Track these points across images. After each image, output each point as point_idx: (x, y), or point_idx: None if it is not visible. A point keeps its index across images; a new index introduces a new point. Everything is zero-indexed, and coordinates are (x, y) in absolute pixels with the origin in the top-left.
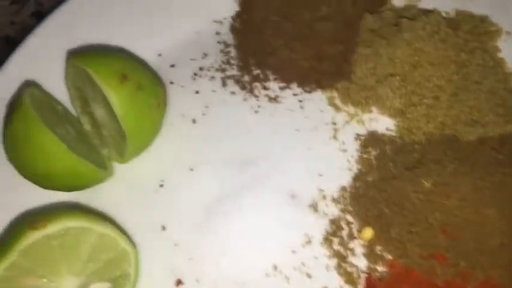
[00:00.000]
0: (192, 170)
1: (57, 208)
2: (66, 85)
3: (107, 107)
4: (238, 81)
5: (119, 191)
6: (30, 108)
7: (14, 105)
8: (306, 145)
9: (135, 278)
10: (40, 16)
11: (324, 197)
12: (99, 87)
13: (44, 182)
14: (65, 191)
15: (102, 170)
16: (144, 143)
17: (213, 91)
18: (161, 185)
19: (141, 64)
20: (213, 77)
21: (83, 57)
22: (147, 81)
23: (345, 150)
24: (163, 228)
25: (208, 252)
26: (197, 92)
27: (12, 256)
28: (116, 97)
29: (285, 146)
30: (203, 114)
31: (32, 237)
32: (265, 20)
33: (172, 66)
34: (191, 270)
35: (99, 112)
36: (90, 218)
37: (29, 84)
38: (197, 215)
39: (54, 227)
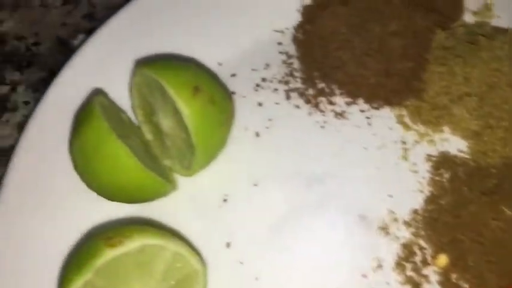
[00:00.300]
0: (256, 185)
1: (129, 223)
2: (130, 93)
3: (176, 118)
4: (302, 94)
5: (181, 204)
6: (101, 118)
7: (84, 114)
8: (374, 164)
9: None
10: (92, 18)
11: (395, 220)
12: (171, 99)
13: (110, 193)
14: (129, 203)
15: (168, 183)
16: (212, 156)
17: (277, 104)
18: (225, 200)
19: (212, 76)
20: (276, 89)
21: (154, 67)
22: (218, 94)
23: (415, 171)
24: (228, 245)
25: (275, 272)
26: (260, 104)
27: (88, 274)
28: (188, 110)
29: (352, 164)
30: (266, 128)
31: (109, 255)
32: (332, 32)
33: (233, 75)
34: None
35: (167, 123)
36: (165, 235)
37: (97, 92)
38: (262, 232)
39: (131, 245)
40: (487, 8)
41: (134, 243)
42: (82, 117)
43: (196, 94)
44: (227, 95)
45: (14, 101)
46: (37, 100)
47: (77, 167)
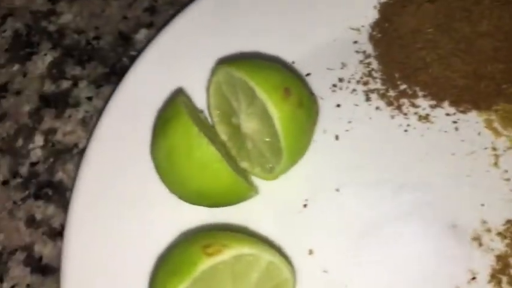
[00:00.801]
0: (338, 190)
1: (215, 229)
2: (207, 92)
3: (262, 121)
4: (383, 95)
5: (260, 209)
6: (190, 121)
7: (170, 116)
8: (464, 171)
9: None
10: (154, 12)
11: (488, 230)
12: (259, 101)
13: (194, 197)
14: (210, 207)
15: (253, 187)
16: (296, 160)
17: (356, 105)
18: (305, 205)
19: (299, 78)
20: (354, 90)
21: (242, 67)
22: (306, 96)
23: (507, 180)
24: (311, 252)
25: (361, 283)
26: (338, 106)
27: (186, 283)
28: (279, 113)
29: (441, 171)
30: (346, 131)
31: (207, 263)
32: (414, 31)
33: (308, 75)
34: None
35: (249, 125)
36: (259, 243)
37: (179, 92)
38: (347, 240)
39: (228, 253)
40: None
41: (231, 252)
42: (168, 119)
43: (286, 96)
44: (313, 97)
45: (76, 97)
46: (100, 96)
47: (161, 170)
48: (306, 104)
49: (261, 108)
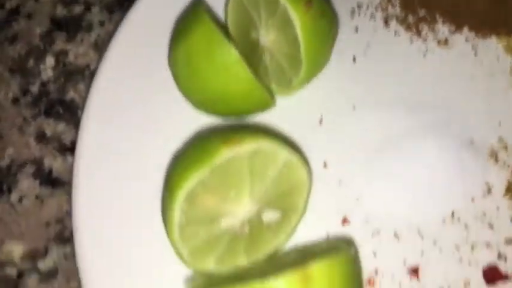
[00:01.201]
0: (354, 108)
1: (242, 127)
2: (227, 5)
3: (282, 32)
4: (402, 21)
5: (275, 124)
6: (211, 22)
7: (191, 19)
8: (481, 93)
9: (303, 212)
10: None
11: (505, 148)
12: (282, 9)
13: (211, 104)
14: (226, 115)
15: (271, 96)
16: (315, 73)
17: (375, 30)
18: (320, 121)
19: None
20: (373, 16)
21: None
22: (328, 7)
23: None
24: (325, 165)
25: (377, 193)
26: (356, 30)
27: (204, 172)
28: (301, 20)
29: (459, 92)
30: (364, 53)
31: (226, 154)
32: None
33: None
34: (359, 210)
35: (269, 37)
36: (278, 140)
37: (199, 2)
38: (362, 154)
39: (248, 146)
40: None
41: (251, 144)
42: (188, 23)
43: (309, 6)
44: (333, 10)
45: (88, 21)
46: (112, 21)
47: (179, 75)
48: (327, 16)
49: (282, 18)
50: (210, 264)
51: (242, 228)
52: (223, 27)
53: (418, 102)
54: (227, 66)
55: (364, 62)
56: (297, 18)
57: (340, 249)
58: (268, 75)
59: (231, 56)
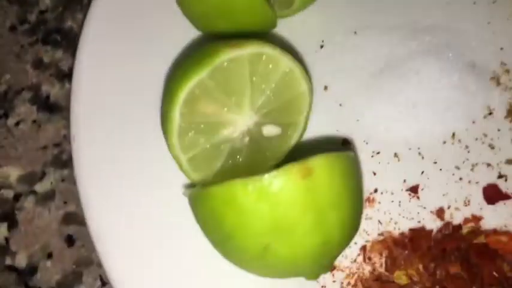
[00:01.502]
0: (355, 33)
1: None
2: None
3: None
4: None
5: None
6: None
7: None
8: (484, 18)
9: (303, 129)
10: None
11: (507, 71)
12: None
13: (209, 17)
14: (223, 32)
15: (273, 14)
16: None
17: None
18: (321, 46)
19: None
20: None
21: None
22: None
23: None
24: (326, 88)
25: (377, 115)
26: None
27: (203, 73)
28: None
29: (461, 16)
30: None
31: (227, 54)
32: None
33: None
34: (359, 131)
35: None
36: (282, 50)
37: None
38: (363, 77)
39: (250, 48)
40: None
41: (253, 48)
42: None
43: None
44: None
45: None
46: None
47: None
48: None
49: None
50: (209, 176)
51: (242, 138)
52: None
53: (419, 25)
54: None
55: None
56: None
57: (340, 151)
58: None
59: None
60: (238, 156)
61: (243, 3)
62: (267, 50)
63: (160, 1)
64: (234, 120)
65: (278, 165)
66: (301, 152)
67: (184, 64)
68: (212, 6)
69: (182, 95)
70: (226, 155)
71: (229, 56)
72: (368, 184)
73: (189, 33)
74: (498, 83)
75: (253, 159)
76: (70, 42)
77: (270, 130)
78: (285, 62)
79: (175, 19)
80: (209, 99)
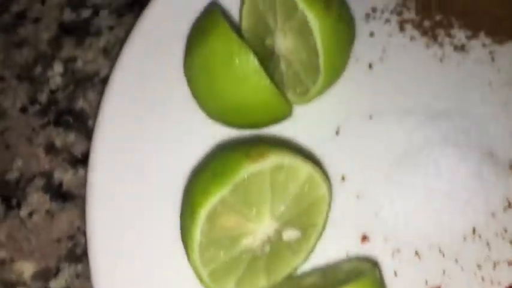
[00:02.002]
0: (371, 118)
1: (263, 139)
2: (242, 11)
3: (300, 37)
4: (418, 26)
5: (291, 135)
6: (229, 28)
7: (207, 25)
8: (500, 100)
9: (322, 229)
10: None
11: None
12: (300, 12)
13: (227, 114)
14: (243, 127)
15: (289, 104)
16: (332, 82)
17: (390, 35)
18: (337, 132)
19: None
20: (388, 20)
21: None
22: (346, 10)
23: None
24: (343, 178)
25: (397, 208)
26: (371, 35)
27: (224, 190)
28: (321, 27)
29: (476, 100)
30: (380, 59)
31: (250, 169)
32: None
33: None
34: (378, 227)
35: (286, 43)
36: (299, 155)
37: (215, 5)
38: (381, 166)
39: (272, 160)
40: None
41: (275, 158)
42: (205, 29)
43: (328, 7)
44: (351, 13)
45: (97, 25)
46: (122, 25)
47: (195, 82)
48: (346, 19)
49: (300, 22)
50: (230, 286)
51: (262, 247)
52: (238, 33)
53: (435, 110)
54: (247, 75)
55: (380, 69)
56: (316, 23)
57: (364, 271)
58: (284, 84)
59: (250, 64)
60: (258, 264)
61: (260, 101)
62: (288, 161)
63: (180, 92)
64: (255, 230)
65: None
66: (320, 256)
67: (204, 176)
68: (228, 104)
69: (204, 212)
70: (247, 264)
71: (250, 171)
72: (389, 286)
73: (209, 126)
74: None
75: (273, 265)
76: (82, 124)
77: (290, 235)
78: (305, 169)
79: (193, 109)
80: (230, 214)
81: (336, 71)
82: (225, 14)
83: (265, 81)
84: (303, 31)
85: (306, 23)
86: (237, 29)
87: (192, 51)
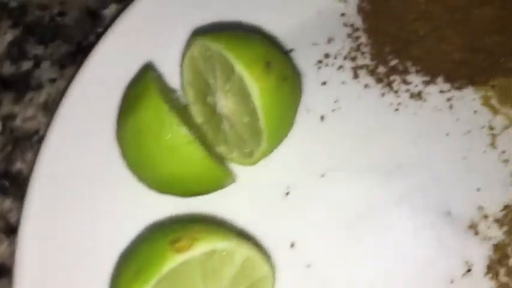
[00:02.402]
0: (323, 176)
1: (186, 220)
2: (181, 68)
3: (240, 99)
4: (372, 72)
5: (237, 198)
6: (160, 100)
7: (137, 94)
8: (459, 153)
9: None
10: None
11: (485, 217)
12: (237, 75)
13: (164, 185)
14: (182, 196)
15: (229, 173)
16: (278, 142)
17: (343, 83)
18: (287, 193)
19: (282, 49)
20: (341, 67)
21: (219, 38)
22: (290, 72)
23: (506, 161)
24: (293, 245)
25: (350, 278)
26: (324, 84)
27: (152, 282)
28: (260, 89)
29: (434, 153)
30: (333, 111)
31: (176, 261)
32: (407, 1)
33: (291, 51)
34: None
35: (226, 104)
36: (235, 236)
37: (149, 68)
38: (332, 231)
39: (200, 249)
40: None
41: (203, 247)
42: (136, 97)
43: (268, 70)
44: (297, 72)
45: (37, 78)
46: (64, 77)
47: (128, 154)
48: (289, 80)
49: (239, 84)
50: None
51: None
52: (174, 94)
53: (391, 166)
54: (177, 146)
55: (332, 121)
56: (254, 85)
57: None
58: (228, 144)
59: (180, 135)
60: None
61: (195, 173)
62: (220, 245)
63: (112, 157)
64: None
65: None
66: None
67: (129, 267)
68: (161, 174)
69: None
70: None
71: (177, 262)
72: None
73: (143, 194)
74: (476, 233)
75: None
76: (19, 188)
77: None
78: (241, 252)
79: (127, 178)
80: None
81: (280, 133)
82: (159, 77)
83: (199, 153)
84: (243, 93)
85: (243, 85)
86: (173, 90)
87: (123, 120)
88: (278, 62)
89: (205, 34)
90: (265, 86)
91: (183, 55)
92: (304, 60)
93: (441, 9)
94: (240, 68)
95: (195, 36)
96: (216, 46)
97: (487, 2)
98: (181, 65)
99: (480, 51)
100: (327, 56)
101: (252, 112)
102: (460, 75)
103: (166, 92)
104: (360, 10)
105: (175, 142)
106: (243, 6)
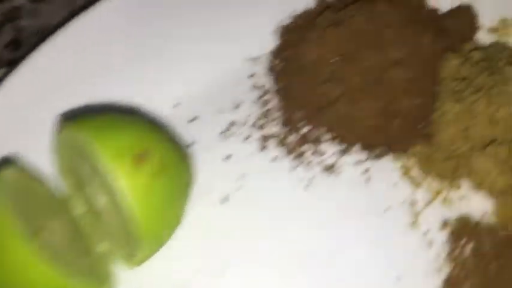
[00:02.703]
0: (223, 274)
1: None
2: (53, 156)
3: (110, 196)
4: (281, 142)
5: None
6: (6, 212)
7: None
8: (376, 235)
9: None
10: (18, 46)
11: None
12: (101, 170)
13: None
14: None
15: (102, 284)
16: (163, 242)
17: (249, 156)
18: None
19: (162, 129)
20: (248, 137)
21: (81, 124)
22: (172, 156)
23: (429, 243)
24: None
25: None
26: (228, 158)
27: None
28: (128, 187)
29: (349, 237)
30: (237, 190)
31: None
32: (318, 61)
33: (192, 120)
34: None
35: (100, 200)
36: None
37: (2, 162)
38: None
39: None
40: (506, 23)
41: None
42: None
43: (140, 164)
44: (184, 154)
45: None
46: None
47: None
48: (171, 167)
49: (106, 180)
50: None
51: None
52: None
53: (302, 253)
54: (23, 268)
55: (236, 203)
56: (120, 184)
57: None
58: (112, 239)
59: (25, 256)
60: None
61: None
62: None
63: None
64: None
65: None
66: None
67: None
68: None
69: None
70: None
71: None
72: None
73: None
74: None
75: None
76: None
77: None
78: None
79: None
80: None
81: (163, 231)
82: (22, 170)
83: (49, 275)
84: (110, 191)
85: (111, 183)
86: (44, 180)
87: None
88: (157, 150)
89: (74, 119)
90: (134, 183)
91: (54, 141)
92: (207, 131)
93: (353, 70)
94: (104, 162)
95: (63, 122)
96: (80, 135)
97: (401, 62)
98: (53, 153)
99: (396, 116)
100: (232, 124)
101: (124, 212)
102: (377, 143)
103: (32, 188)
104: (271, 70)
105: (19, 265)
106: (136, 71)
